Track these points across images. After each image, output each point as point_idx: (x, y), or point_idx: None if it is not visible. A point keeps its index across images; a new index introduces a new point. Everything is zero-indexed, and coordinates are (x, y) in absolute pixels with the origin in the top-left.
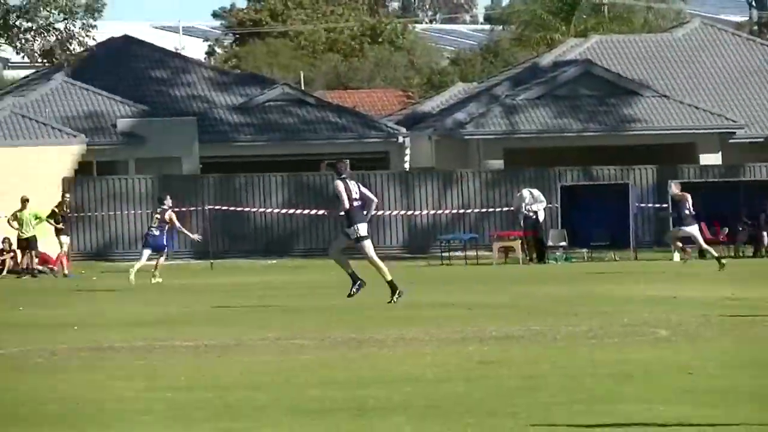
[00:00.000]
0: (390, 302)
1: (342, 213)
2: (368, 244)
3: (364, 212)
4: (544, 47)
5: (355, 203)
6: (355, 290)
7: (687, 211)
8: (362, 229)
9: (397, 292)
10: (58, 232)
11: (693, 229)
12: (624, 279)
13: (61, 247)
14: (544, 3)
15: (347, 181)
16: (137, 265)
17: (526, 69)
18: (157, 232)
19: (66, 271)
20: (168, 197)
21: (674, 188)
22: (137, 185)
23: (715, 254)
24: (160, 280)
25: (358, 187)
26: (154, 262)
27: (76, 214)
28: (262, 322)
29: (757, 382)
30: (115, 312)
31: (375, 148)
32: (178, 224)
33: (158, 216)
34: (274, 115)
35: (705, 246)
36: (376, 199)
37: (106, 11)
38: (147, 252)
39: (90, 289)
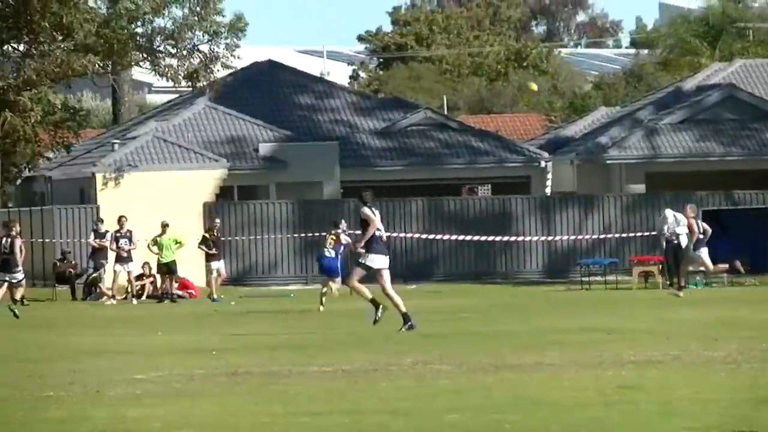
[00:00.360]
0: (400, 330)
1: (363, 243)
2: (387, 275)
3: (384, 243)
4: (688, 71)
5: (377, 233)
6: (379, 315)
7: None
8: (379, 260)
9: (409, 323)
10: (210, 258)
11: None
12: (763, 304)
13: (211, 272)
14: (690, 27)
15: (374, 210)
16: (329, 289)
17: (669, 93)
18: (331, 254)
19: (214, 296)
20: (342, 221)
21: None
22: (278, 210)
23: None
24: (322, 308)
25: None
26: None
27: (228, 239)
28: (399, 347)
29: None
30: (253, 337)
31: (516, 173)
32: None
33: (333, 238)
34: (415, 139)
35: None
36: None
37: (249, 30)
38: (326, 278)
39: (229, 313)
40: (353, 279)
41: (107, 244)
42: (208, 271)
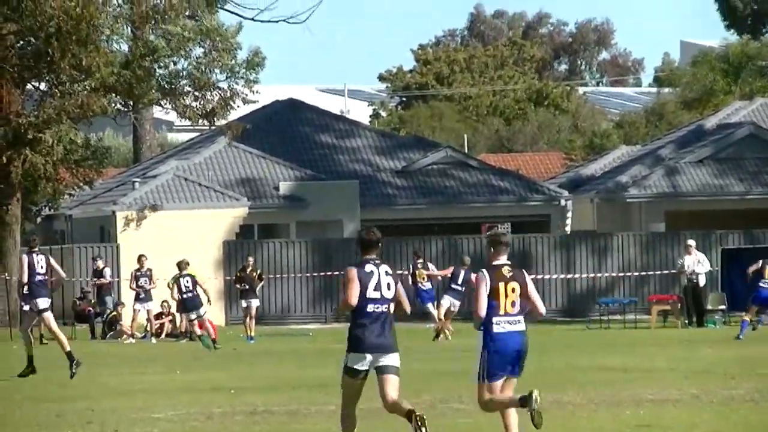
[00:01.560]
0: (72, 375)
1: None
2: (49, 316)
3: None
4: (710, 109)
5: (38, 277)
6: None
7: None
8: (42, 302)
9: (75, 362)
10: (241, 295)
11: None
12: None
13: (248, 311)
14: (711, 65)
15: (32, 254)
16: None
17: (690, 131)
18: (428, 286)
19: (252, 333)
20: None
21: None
22: (297, 248)
23: None
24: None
25: (46, 260)
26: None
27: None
28: (418, 385)
29: None
30: (273, 375)
31: (536, 211)
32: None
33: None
34: (436, 178)
35: None
36: (64, 274)
37: (270, 69)
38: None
39: (248, 352)
40: (24, 328)
41: (106, 281)
42: (246, 309)
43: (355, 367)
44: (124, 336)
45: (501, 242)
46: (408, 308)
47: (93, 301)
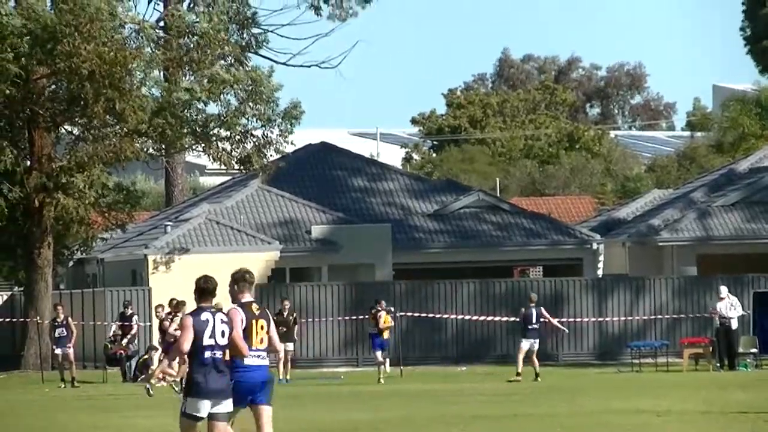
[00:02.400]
0: None
1: None
2: None
3: None
4: (741, 153)
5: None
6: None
7: None
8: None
9: None
10: (280, 339)
11: None
12: None
13: (280, 353)
14: (744, 109)
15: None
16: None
17: (722, 175)
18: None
19: (287, 377)
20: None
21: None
22: (329, 292)
23: None
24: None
25: None
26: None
27: (296, 318)
28: (449, 428)
29: None
30: (304, 419)
31: (568, 255)
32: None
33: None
34: (468, 221)
35: None
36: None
37: (304, 120)
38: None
39: (279, 395)
40: None
41: (133, 325)
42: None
43: (194, 414)
44: (155, 380)
45: (245, 280)
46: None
47: (125, 344)
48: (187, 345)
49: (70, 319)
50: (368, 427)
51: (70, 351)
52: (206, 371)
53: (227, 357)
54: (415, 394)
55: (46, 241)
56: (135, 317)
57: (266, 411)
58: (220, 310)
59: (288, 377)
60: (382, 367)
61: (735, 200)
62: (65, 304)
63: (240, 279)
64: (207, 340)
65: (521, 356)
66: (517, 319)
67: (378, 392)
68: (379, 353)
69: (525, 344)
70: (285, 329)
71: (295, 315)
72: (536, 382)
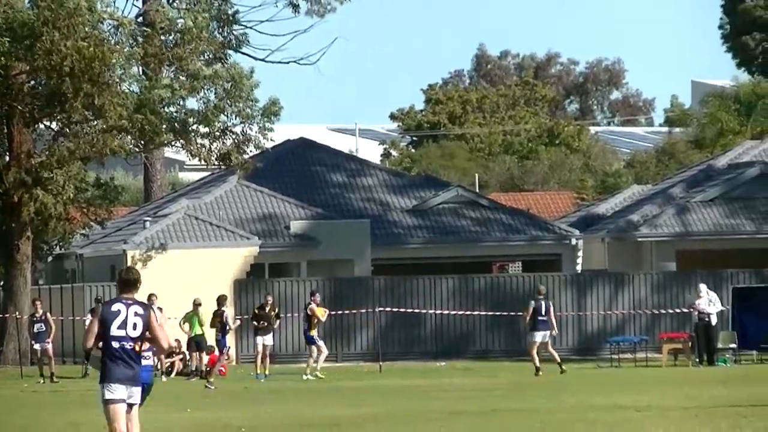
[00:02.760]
0: None
1: None
2: None
3: None
4: (720, 149)
5: None
6: None
7: None
8: None
9: None
10: (259, 333)
11: None
12: None
13: (264, 349)
14: (722, 105)
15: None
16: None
17: (701, 171)
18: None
19: (266, 372)
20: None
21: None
22: (308, 287)
23: None
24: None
25: None
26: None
27: (278, 314)
28: (430, 425)
29: None
30: (283, 414)
31: (547, 250)
32: None
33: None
34: (447, 217)
35: None
36: None
37: (283, 115)
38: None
39: (258, 390)
40: None
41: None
42: (256, 347)
43: (110, 398)
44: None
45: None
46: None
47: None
48: (90, 338)
49: (48, 314)
50: (349, 422)
51: (49, 346)
52: (115, 361)
53: (138, 348)
54: (395, 390)
55: (24, 237)
56: None
57: (135, 410)
58: (140, 302)
59: (267, 372)
60: (311, 360)
61: (714, 196)
62: (44, 300)
63: (127, 281)
64: (116, 331)
65: (534, 351)
66: (496, 314)
67: (358, 388)
68: (313, 347)
69: (537, 337)
70: (266, 324)
71: (277, 310)
72: (564, 374)
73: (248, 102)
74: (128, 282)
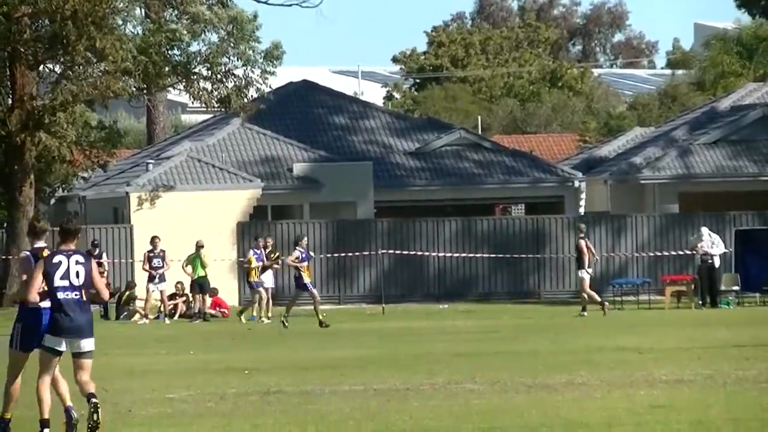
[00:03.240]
0: None
1: None
2: None
3: None
4: (722, 91)
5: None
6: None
7: None
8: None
9: None
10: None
11: None
12: None
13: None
14: (725, 47)
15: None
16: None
17: (703, 113)
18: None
19: (269, 314)
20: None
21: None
22: (311, 230)
23: None
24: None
25: None
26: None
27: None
28: (432, 366)
29: None
30: (286, 356)
31: (550, 193)
32: None
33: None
34: (450, 159)
35: None
36: None
37: (286, 58)
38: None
39: (261, 333)
40: None
41: (103, 263)
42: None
43: (53, 347)
44: (137, 317)
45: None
46: (105, 296)
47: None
48: (33, 291)
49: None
50: (352, 365)
51: None
52: (61, 311)
53: (85, 297)
54: (397, 332)
55: (27, 180)
56: (104, 255)
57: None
58: (80, 252)
59: (270, 314)
60: (263, 303)
61: (716, 138)
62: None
63: (67, 230)
64: (59, 281)
65: (587, 286)
66: (498, 256)
67: (360, 330)
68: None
69: (587, 274)
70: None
71: (278, 254)
72: (583, 316)
73: (250, 44)
74: (69, 231)
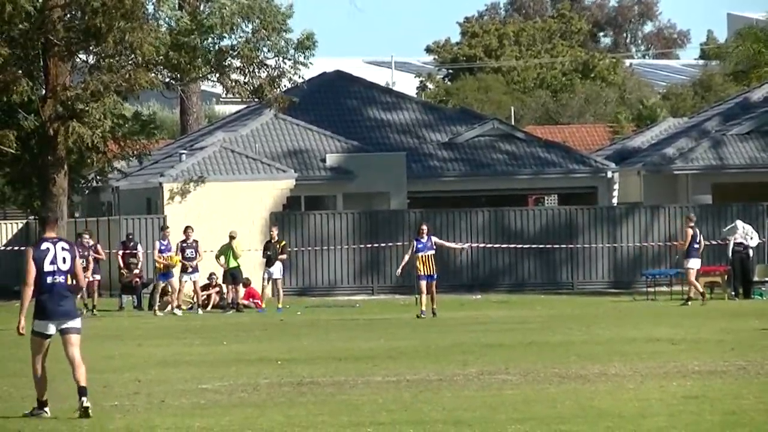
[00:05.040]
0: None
1: None
2: None
3: None
4: (756, 82)
5: None
6: None
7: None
8: None
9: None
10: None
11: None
12: None
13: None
14: (759, 37)
15: None
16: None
17: (736, 104)
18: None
19: (279, 305)
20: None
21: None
22: (344, 220)
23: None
24: None
25: None
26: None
27: (294, 249)
28: (464, 357)
29: None
30: (319, 347)
31: (583, 183)
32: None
33: None
34: (483, 150)
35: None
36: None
37: (319, 49)
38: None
39: (295, 323)
40: None
41: (138, 254)
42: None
43: (42, 332)
44: (170, 307)
45: (52, 218)
46: (83, 283)
47: (140, 272)
48: (30, 277)
49: (99, 245)
50: (384, 355)
51: (97, 278)
52: (49, 295)
53: (71, 281)
54: (429, 323)
55: (61, 170)
56: (138, 246)
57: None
58: (64, 239)
59: (280, 305)
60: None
61: (749, 129)
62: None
63: (49, 218)
64: (48, 266)
65: (694, 277)
66: (531, 246)
67: (393, 321)
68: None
69: (696, 263)
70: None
71: (283, 242)
72: (687, 306)
73: (281, 33)
74: (50, 219)
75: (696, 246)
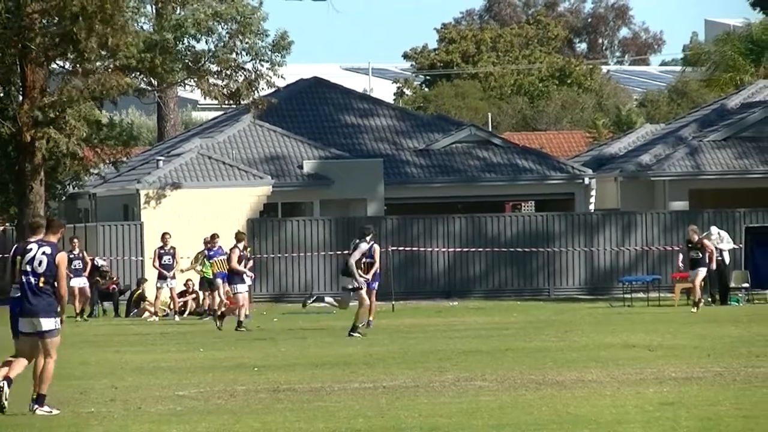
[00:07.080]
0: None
1: None
2: None
3: None
4: (732, 89)
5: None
6: None
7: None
8: None
9: None
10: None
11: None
12: None
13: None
14: (735, 45)
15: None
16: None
17: (713, 110)
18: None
19: (247, 312)
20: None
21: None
22: (320, 227)
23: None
24: None
25: None
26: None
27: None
28: (441, 363)
29: None
30: (295, 354)
31: (560, 190)
32: None
33: None
34: (459, 156)
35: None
36: None
37: (295, 47)
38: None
39: (271, 330)
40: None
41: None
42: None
43: (21, 330)
44: (147, 314)
45: (34, 225)
46: (64, 291)
47: (116, 278)
48: (10, 275)
49: (85, 252)
50: (361, 361)
51: (86, 284)
52: (23, 293)
53: (42, 284)
54: (407, 329)
55: (38, 177)
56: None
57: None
58: (51, 244)
59: (247, 312)
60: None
61: (725, 136)
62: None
63: (34, 224)
64: (24, 266)
65: (698, 282)
66: (507, 250)
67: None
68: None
69: (702, 272)
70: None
71: (249, 249)
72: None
73: (258, 36)
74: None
75: (702, 256)
